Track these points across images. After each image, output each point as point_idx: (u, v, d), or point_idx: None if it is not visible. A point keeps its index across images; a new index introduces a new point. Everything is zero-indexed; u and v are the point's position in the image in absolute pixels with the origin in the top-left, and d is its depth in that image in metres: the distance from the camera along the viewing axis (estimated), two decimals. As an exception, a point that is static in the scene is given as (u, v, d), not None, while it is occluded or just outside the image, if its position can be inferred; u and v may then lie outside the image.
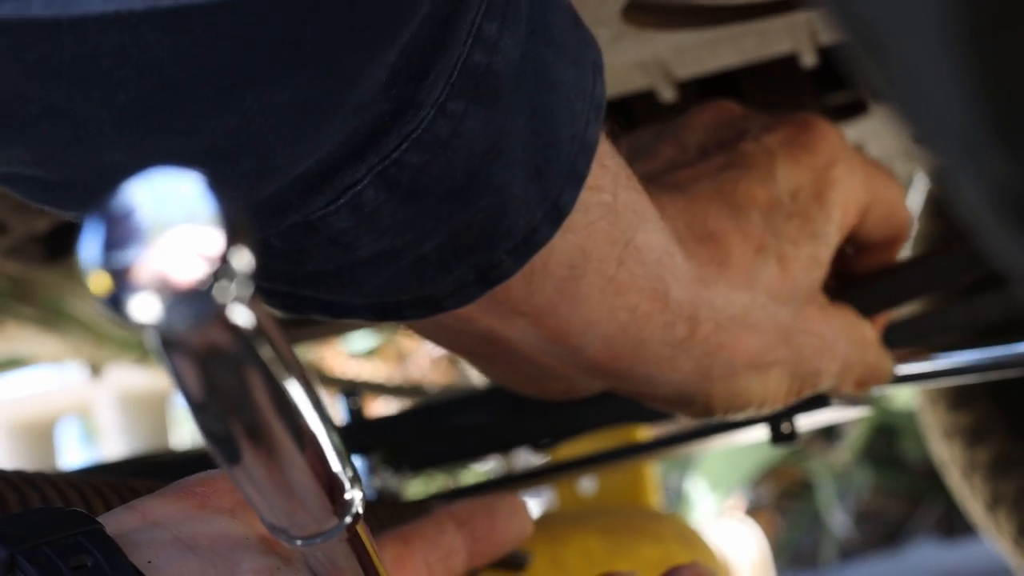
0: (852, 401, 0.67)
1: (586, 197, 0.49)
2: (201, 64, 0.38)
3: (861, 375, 0.61)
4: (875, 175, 0.61)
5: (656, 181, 0.57)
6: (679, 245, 0.54)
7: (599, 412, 0.74)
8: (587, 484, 1.10)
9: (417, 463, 0.78)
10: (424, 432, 0.78)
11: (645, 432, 1.02)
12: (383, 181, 0.44)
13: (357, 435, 0.78)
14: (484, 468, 2.37)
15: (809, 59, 0.72)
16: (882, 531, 3.08)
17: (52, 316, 1.01)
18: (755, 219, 0.56)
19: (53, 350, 1.13)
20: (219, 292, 0.28)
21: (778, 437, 0.69)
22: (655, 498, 1.12)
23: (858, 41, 0.27)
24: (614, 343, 0.53)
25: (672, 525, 1.01)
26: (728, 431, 0.74)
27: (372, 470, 0.77)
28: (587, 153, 0.48)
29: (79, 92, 0.38)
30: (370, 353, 3.35)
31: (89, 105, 0.39)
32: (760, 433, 0.71)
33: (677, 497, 3.08)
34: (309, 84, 0.40)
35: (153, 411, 1.74)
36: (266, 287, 0.49)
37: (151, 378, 1.60)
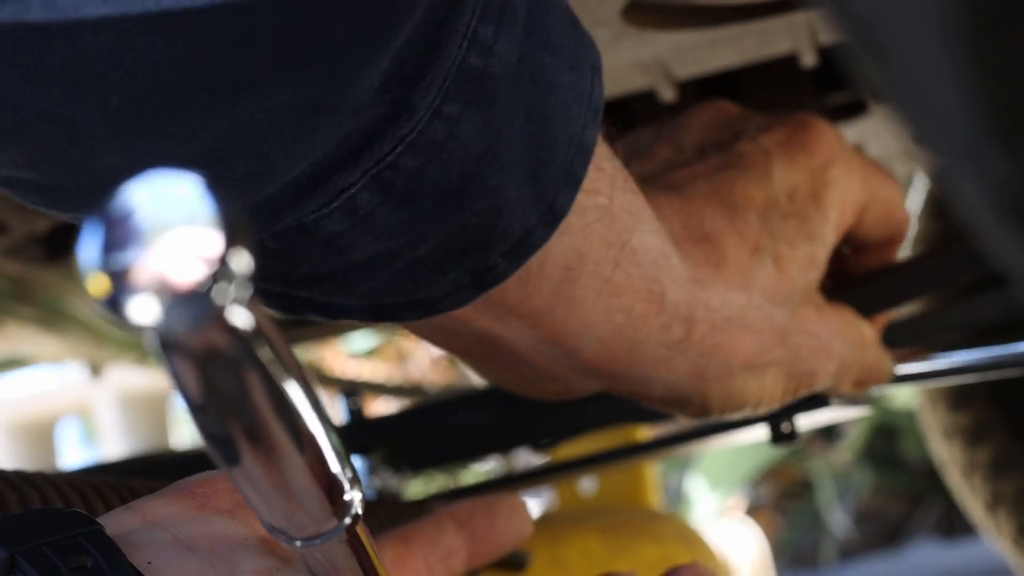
0: (852, 401, 0.67)
1: (582, 200, 0.49)
2: (195, 68, 0.38)
3: (860, 375, 0.61)
4: (872, 175, 0.61)
5: (653, 181, 0.57)
6: (675, 246, 0.54)
7: (599, 412, 0.74)
8: (587, 484, 1.10)
9: (417, 463, 0.78)
10: (424, 432, 0.78)
11: (645, 432, 1.02)
12: (378, 184, 0.44)
13: (357, 435, 0.78)
14: (484, 468, 2.37)
15: (809, 59, 0.72)
16: (882, 531, 3.08)
17: (52, 316, 1.01)
18: (751, 220, 0.56)
19: (53, 350, 1.13)
20: (218, 294, 0.28)
21: (778, 437, 0.69)
22: (655, 498, 1.12)
23: (858, 41, 0.27)
24: (610, 344, 0.53)
25: (672, 525, 1.01)
26: (728, 431, 0.74)
27: (372, 470, 0.77)
28: (584, 156, 0.48)
29: (72, 96, 0.38)
30: (370, 353, 3.35)
31: (82, 109, 0.39)
32: (760, 433, 0.71)
33: (677, 497, 3.08)
34: (303, 87, 0.40)
35: (153, 411, 1.74)
36: (261, 287, 0.49)
37: (151, 378, 1.60)
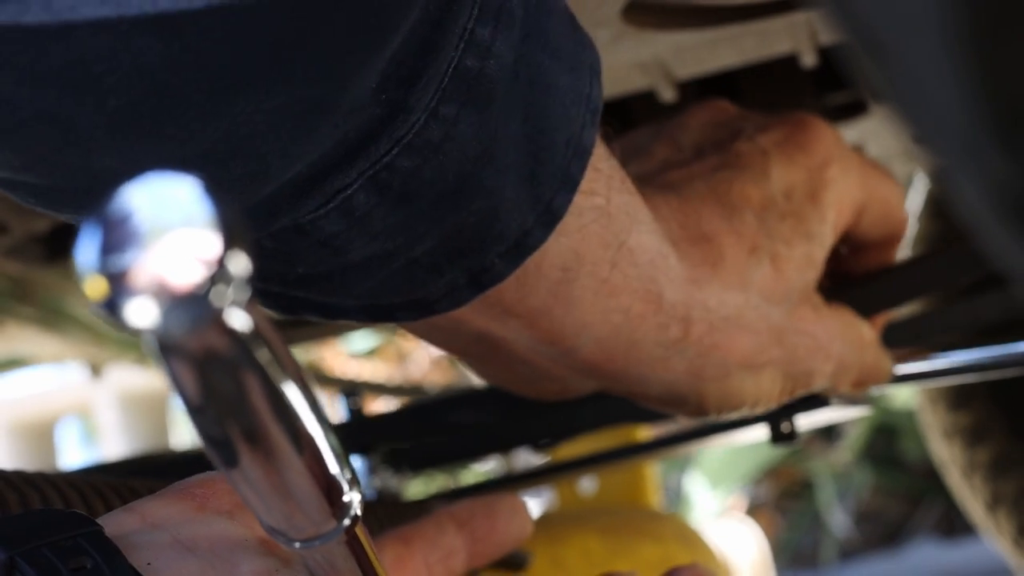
0: (851, 401, 0.67)
1: (579, 201, 0.49)
2: (192, 69, 0.38)
3: (859, 375, 0.61)
4: (871, 174, 0.61)
5: (651, 181, 0.57)
6: (672, 246, 0.54)
7: (598, 412, 0.74)
8: (587, 484, 1.10)
9: (417, 463, 0.78)
10: (424, 431, 0.78)
11: (645, 432, 1.02)
12: (374, 185, 0.43)
13: (356, 434, 0.78)
14: (484, 468, 2.37)
15: (809, 59, 0.72)
16: (882, 531, 3.08)
17: (52, 316, 1.01)
18: (749, 219, 0.56)
19: (53, 350, 1.13)
20: (216, 296, 0.28)
21: (778, 437, 0.69)
22: (655, 498, 1.12)
23: (858, 41, 0.27)
24: (607, 344, 0.53)
25: (672, 525, 1.01)
26: (728, 431, 0.74)
27: (372, 470, 0.77)
28: (582, 157, 0.48)
29: (70, 97, 0.38)
30: (370, 353, 3.35)
31: (80, 110, 0.39)
32: (760, 433, 0.71)
33: (677, 497, 3.08)
34: (301, 88, 0.40)
35: (153, 411, 1.74)
36: (258, 287, 0.49)
37: (151, 378, 1.60)
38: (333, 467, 0.35)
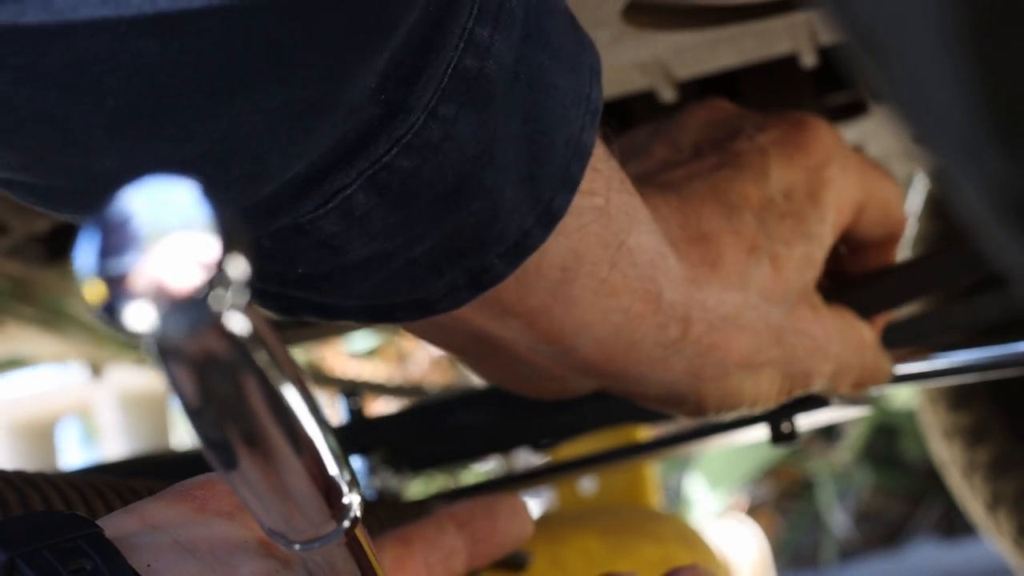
0: (852, 401, 0.67)
1: (579, 201, 0.49)
2: (191, 70, 0.38)
3: (859, 376, 0.61)
4: (870, 174, 0.61)
5: (650, 180, 0.57)
6: (672, 246, 0.54)
7: (599, 412, 0.74)
8: (587, 484, 1.10)
9: (417, 463, 0.78)
10: (424, 432, 0.78)
11: (645, 432, 1.02)
12: (373, 185, 0.43)
13: (357, 435, 0.78)
14: (484, 468, 2.37)
15: (809, 59, 0.72)
16: (882, 531, 3.08)
17: (53, 316, 1.01)
18: (748, 219, 0.56)
19: (54, 350, 1.13)
20: (215, 300, 0.28)
21: (778, 437, 0.69)
22: (655, 498, 1.12)
23: (858, 41, 0.27)
24: (607, 344, 0.53)
25: (672, 525, 1.01)
26: (728, 431, 0.74)
27: (372, 470, 0.77)
28: (581, 158, 0.47)
29: (68, 98, 0.38)
30: (370, 353, 3.35)
31: (79, 111, 0.39)
32: (760, 433, 0.71)
33: (677, 497, 3.08)
34: (300, 88, 0.40)
35: (154, 411, 1.74)
36: (257, 288, 0.49)
37: (152, 378, 1.60)
38: (332, 469, 0.35)
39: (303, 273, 0.47)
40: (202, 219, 0.28)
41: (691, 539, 0.99)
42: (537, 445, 0.77)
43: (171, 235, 0.28)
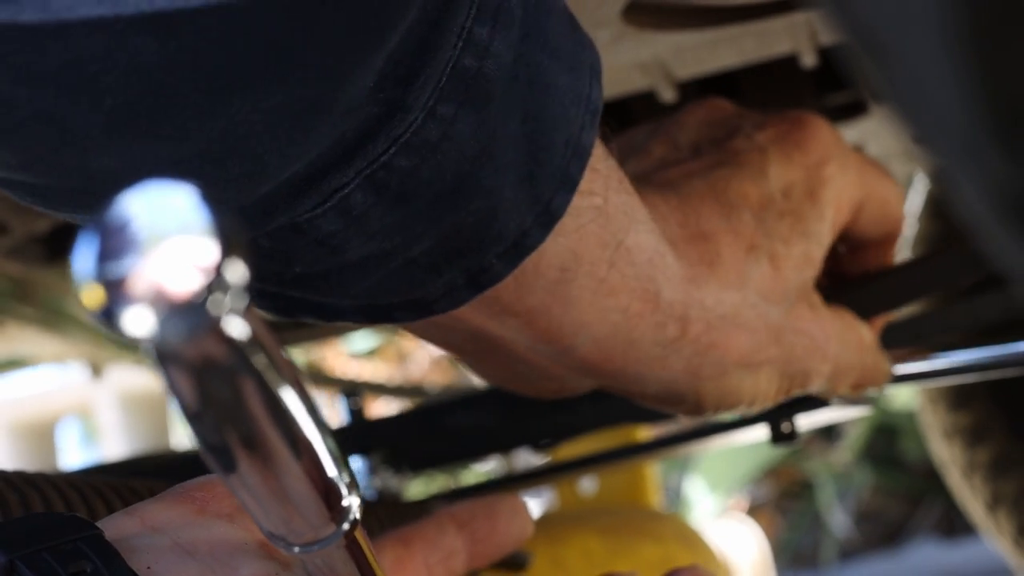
0: (851, 401, 0.67)
1: (577, 201, 0.48)
2: (189, 69, 0.38)
3: (858, 377, 0.61)
4: (869, 172, 0.61)
5: (649, 179, 0.57)
6: (670, 245, 0.54)
7: (599, 412, 0.74)
8: (587, 484, 1.10)
9: (417, 463, 0.78)
10: (425, 433, 0.78)
11: (645, 432, 1.02)
12: (372, 184, 0.43)
13: (358, 437, 0.78)
14: (484, 468, 2.37)
15: (809, 60, 0.72)
16: (882, 531, 3.08)
17: (53, 316, 1.01)
18: (746, 218, 0.56)
19: (54, 350, 1.13)
20: (214, 305, 0.28)
21: (778, 437, 0.69)
22: (655, 498, 1.12)
23: (858, 41, 0.27)
24: (605, 343, 0.53)
25: (673, 525, 1.01)
26: (728, 431, 0.74)
27: (373, 470, 0.77)
28: (581, 158, 0.47)
29: (66, 97, 0.38)
30: (371, 353, 3.35)
31: (76, 110, 0.38)
32: (760, 433, 0.71)
33: (677, 497, 3.08)
34: (298, 88, 0.40)
35: (154, 411, 1.74)
36: (255, 288, 0.49)
37: (152, 378, 1.60)
38: (331, 471, 0.35)
39: (301, 272, 0.47)
40: (201, 223, 0.28)
41: (691, 539, 0.99)
42: (537, 445, 0.77)
43: (170, 239, 0.28)
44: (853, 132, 0.86)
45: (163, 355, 0.30)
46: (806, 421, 0.70)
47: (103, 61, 0.37)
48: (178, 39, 0.37)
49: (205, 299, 0.28)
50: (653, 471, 1.13)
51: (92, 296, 0.28)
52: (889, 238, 0.63)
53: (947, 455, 1.25)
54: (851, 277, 0.64)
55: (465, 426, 0.76)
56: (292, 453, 0.33)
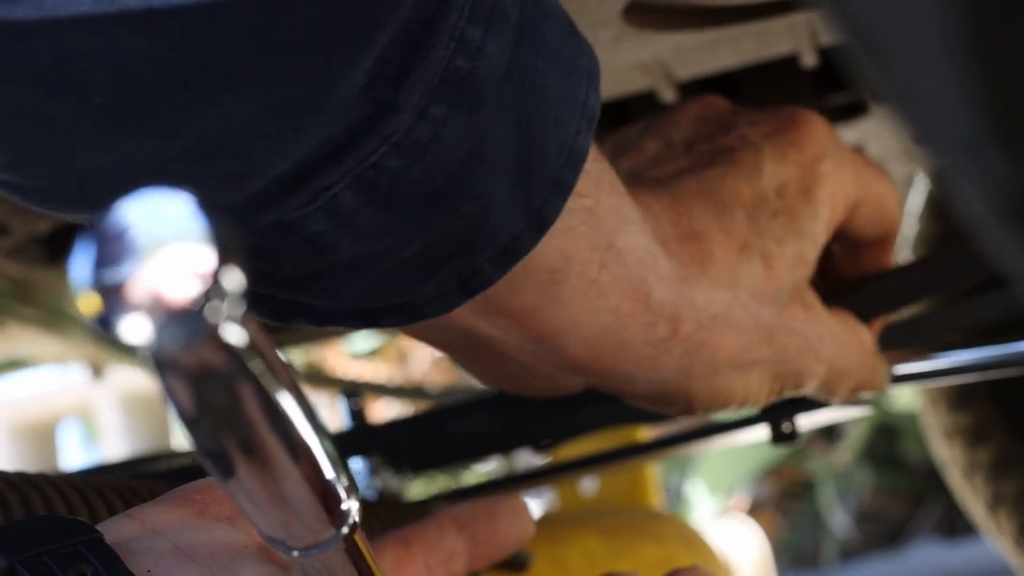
0: (852, 402, 0.66)
1: (568, 203, 0.48)
2: (178, 67, 0.38)
3: (857, 381, 0.60)
4: (865, 171, 0.60)
5: (641, 177, 0.57)
6: (662, 245, 0.54)
7: (600, 413, 0.74)
8: (588, 485, 1.10)
9: (418, 464, 0.78)
10: (427, 437, 0.78)
11: (646, 432, 1.02)
12: (361, 184, 0.43)
13: (360, 441, 0.78)
14: (485, 469, 2.37)
15: (809, 60, 0.72)
16: (883, 531, 3.08)
17: (53, 317, 1.01)
18: (739, 217, 0.56)
19: (54, 351, 1.13)
20: (211, 312, 0.28)
21: (779, 437, 0.69)
22: (656, 499, 1.12)
23: (858, 42, 0.27)
24: (595, 343, 0.53)
25: (673, 526, 1.01)
26: (729, 431, 0.74)
27: (373, 471, 0.77)
28: (575, 163, 0.47)
29: (54, 95, 0.38)
30: (371, 354, 3.35)
31: (63, 108, 0.38)
32: (761, 433, 0.71)
33: (678, 497, 3.08)
34: (287, 87, 0.39)
35: (155, 412, 1.74)
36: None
37: (152, 379, 1.60)
38: (330, 475, 0.35)
39: (291, 273, 0.47)
40: (198, 230, 0.28)
41: (692, 540, 0.99)
42: (538, 446, 0.77)
43: (167, 247, 0.28)
44: (853, 132, 0.86)
45: (160, 362, 0.30)
46: (807, 421, 0.70)
47: (91, 59, 0.37)
48: (167, 37, 0.37)
49: (202, 306, 0.28)
50: (654, 471, 1.13)
51: (89, 303, 0.28)
52: (886, 239, 0.63)
53: (948, 455, 1.25)
54: (849, 279, 0.64)
55: (467, 430, 0.76)
56: (290, 458, 0.33)
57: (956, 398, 1.22)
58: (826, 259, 0.63)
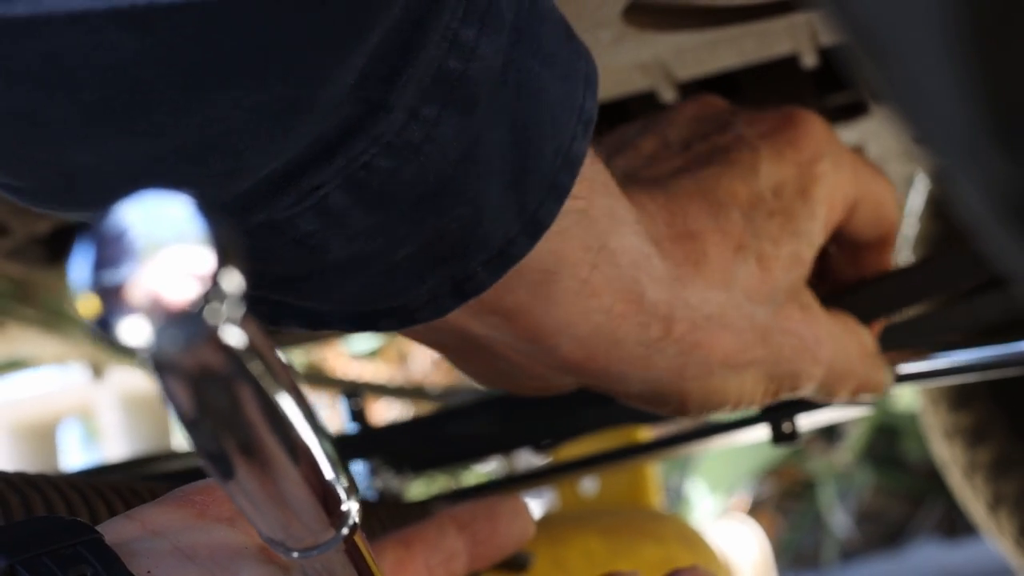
0: (852, 402, 0.66)
1: None
2: (167, 65, 0.38)
3: (857, 384, 0.60)
4: (863, 172, 0.60)
5: (637, 176, 0.57)
6: (656, 245, 0.53)
7: (601, 413, 0.74)
8: (588, 485, 1.10)
9: (419, 464, 0.78)
10: (428, 439, 0.78)
11: (646, 433, 1.02)
12: (352, 184, 0.43)
13: (361, 444, 0.78)
14: (486, 469, 2.37)
15: (810, 60, 0.72)
16: (883, 531, 3.08)
17: (54, 317, 1.01)
18: (735, 217, 0.56)
19: (55, 351, 1.13)
20: (210, 314, 0.28)
21: (779, 437, 0.69)
22: (657, 499, 1.12)
23: (858, 42, 0.27)
24: (588, 343, 0.53)
25: (674, 526, 1.01)
26: (729, 431, 0.74)
27: (374, 471, 0.77)
28: (571, 168, 0.47)
29: (42, 92, 0.38)
30: (372, 354, 3.35)
31: (52, 105, 0.38)
32: (761, 433, 0.71)
33: (678, 497, 3.08)
34: (277, 85, 0.39)
35: (155, 413, 1.74)
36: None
37: (152, 380, 1.60)
38: (330, 476, 0.35)
39: (282, 274, 0.46)
40: (197, 233, 0.28)
41: (692, 540, 0.99)
42: (539, 446, 0.77)
43: (166, 249, 0.28)
44: (853, 132, 0.86)
45: (159, 364, 0.30)
46: (807, 421, 0.70)
47: (79, 56, 0.37)
48: (157, 35, 0.37)
49: (202, 308, 0.28)
50: (654, 471, 1.13)
51: (88, 305, 0.28)
52: (885, 240, 0.62)
53: (948, 455, 1.25)
54: (848, 281, 0.64)
55: (468, 432, 0.76)
56: (290, 459, 0.33)
57: (956, 398, 1.22)
58: (825, 261, 0.63)
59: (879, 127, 0.86)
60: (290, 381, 0.32)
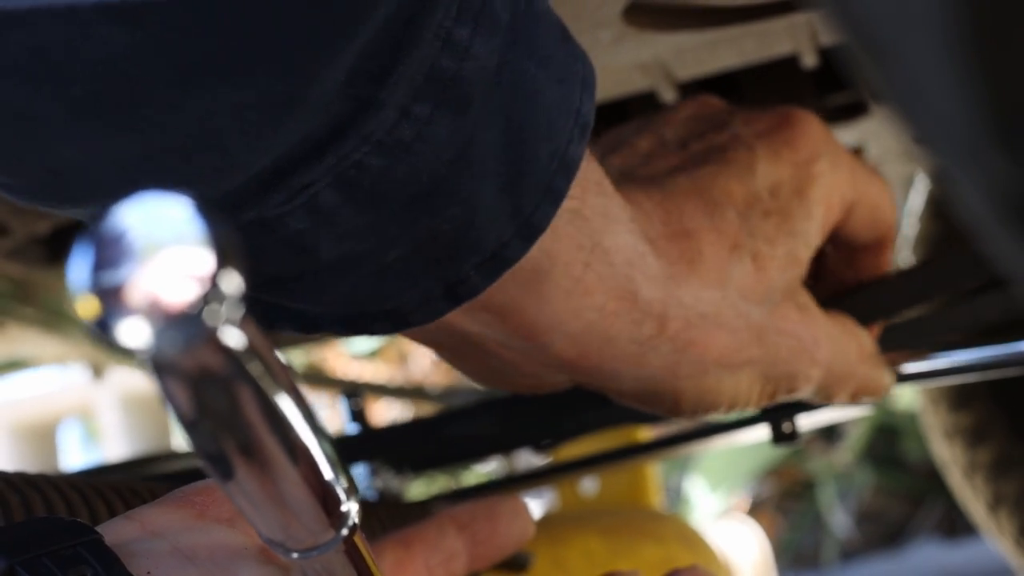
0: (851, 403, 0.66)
1: None
2: (156, 60, 0.38)
3: (857, 387, 0.60)
4: (860, 172, 0.60)
5: (633, 174, 0.57)
6: (650, 243, 0.53)
7: (601, 413, 0.74)
8: (588, 485, 1.10)
9: (419, 464, 0.78)
10: (428, 440, 0.78)
11: (646, 433, 1.02)
12: (342, 183, 0.43)
13: (360, 447, 0.78)
14: (485, 469, 2.37)
15: (810, 60, 0.72)
16: (884, 531, 3.08)
17: (54, 318, 1.01)
18: (730, 217, 0.56)
19: (55, 352, 1.13)
20: (209, 315, 0.28)
21: (779, 437, 0.69)
22: (657, 499, 1.12)
23: (858, 42, 0.27)
24: (581, 340, 0.53)
25: (674, 526, 1.01)
26: (729, 431, 0.74)
27: (374, 471, 0.77)
28: (567, 171, 0.47)
29: (30, 87, 0.38)
30: (372, 354, 3.35)
31: (39, 100, 0.38)
32: (761, 433, 0.71)
33: (678, 497, 3.08)
34: (266, 81, 0.39)
35: (155, 413, 1.74)
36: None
37: (152, 382, 1.60)
38: (330, 477, 0.35)
39: (273, 274, 0.46)
40: (196, 234, 0.28)
41: (692, 540, 0.99)
42: (539, 446, 0.77)
43: (165, 250, 0.28)
44: (853, 132, 0.86)
45: (159, 365, 0.30)
46: (807, 421, 0.70)
47: (69, 50, 0.37)
48: (146, 30, 0.37)
49: (201, 310, 0.28)
50: (654, 471, 1.13)
51: (88, 307, 0.28)
52: (882, 242, 0.62)
53: (948, 455, 1.25)
54: (846, 283, 0.64)
55: (468, 432, 0.76)
56: (290, 460, 0.33)
57: (956, 398, 1.22)
58: (822, 263, 0.63)
59: (879, 127, 0.86)
60: (289, 382, 0.32)
